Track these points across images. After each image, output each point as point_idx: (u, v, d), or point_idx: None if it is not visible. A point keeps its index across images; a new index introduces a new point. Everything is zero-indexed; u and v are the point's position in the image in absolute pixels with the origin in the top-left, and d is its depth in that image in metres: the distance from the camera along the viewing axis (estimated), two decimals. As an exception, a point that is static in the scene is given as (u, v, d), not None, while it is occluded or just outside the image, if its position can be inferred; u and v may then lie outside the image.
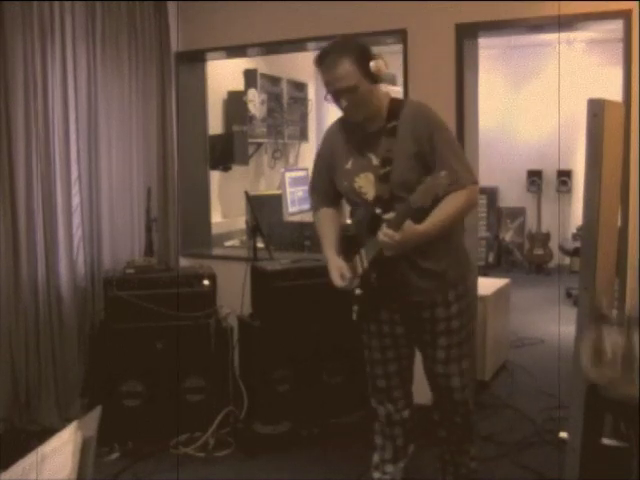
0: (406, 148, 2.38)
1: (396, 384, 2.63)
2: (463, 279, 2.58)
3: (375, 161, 2.43)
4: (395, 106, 2.44)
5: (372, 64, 2.34)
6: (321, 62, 2.35)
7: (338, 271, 2.49)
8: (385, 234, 2.25)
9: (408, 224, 2.25)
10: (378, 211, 2.38)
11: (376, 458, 2.77)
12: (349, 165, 2.48)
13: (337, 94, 2.35)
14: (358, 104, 2.37)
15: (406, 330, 2.57)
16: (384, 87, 2.54)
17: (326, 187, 2.63)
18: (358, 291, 2.47)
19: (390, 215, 2.28)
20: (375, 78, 2.37)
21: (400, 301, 2.51)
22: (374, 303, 2.50)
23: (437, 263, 2.46)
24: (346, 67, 2.31)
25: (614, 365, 1.44)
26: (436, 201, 2.23)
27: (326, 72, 2.35)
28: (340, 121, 2.59)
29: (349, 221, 2.73)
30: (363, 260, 2.44)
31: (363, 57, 2.34)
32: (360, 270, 2.46)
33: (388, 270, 2.40)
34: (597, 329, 1.43)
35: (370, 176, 2.43)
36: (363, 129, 2.46)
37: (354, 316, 2.49)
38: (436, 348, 2.52)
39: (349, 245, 2.56)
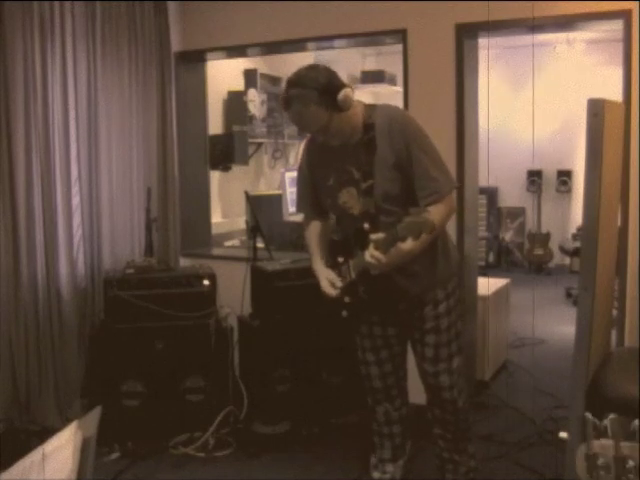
0: (385, 159, 2.36)
1: (392, 383, 2.66)
2: (452, 277, 2.58)
3: (356, 175, 2.41)
4: (370, 115, 2.40)
5: (339, 98, 2.28)
6: (286, 109, 2.35)
7: (328, 281, 2.50)
8: (372, 256, 2.24)
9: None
10: (366, 226, 2.37)
11: (374, 458, 2.78)
12: (331, 182, 2.47)
13: (311, 134, 2.40)
14: (333, 135, 2.37)
15: (397, 330, 2.60)
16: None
17: (312, 200, 2.63)
18: (347, 299, 2.47)
19: (378, 236, 2.24)
20: (345, 107, 2.31)
21: (391, 306, 2.53)
22: (364, 309, 2.52)
23: (424, 265, 2.46)
24: (312, 111, 2.29)
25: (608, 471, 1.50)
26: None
27: (294, 120, 2.38)
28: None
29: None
30: (351, 271, 2.45)
31: (328, 93, 2.28)
32: (348, 278, 2.46)
33: (376, 279, 2.38)
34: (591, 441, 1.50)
35: (353, 191, 2.42)
36: (341, 144, 2.43)
37: (344, 313, 2.50)
38: (424, 346, 2.54)
39: (336, 250, 2.56)
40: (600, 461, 1.53)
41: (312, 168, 2.56)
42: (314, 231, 2.67)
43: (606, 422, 1.53)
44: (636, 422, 1.54)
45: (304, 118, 2.32)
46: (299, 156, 6.93)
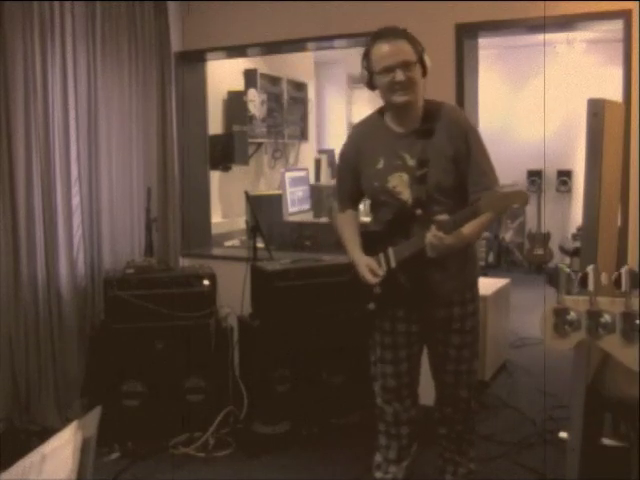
0: (443, 150, 2.39)
1: (406, 383, 2.63)
2: (477, 280, 2.62)
3: (410, 162, 2.41)
4: (430, 108, 2.45)
5: (425, 56, 2.39)
6: (381, 35, 2.36)
7: (368, 267, 2.48)
8: (435, 236, 2.24)
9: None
10: (419, 212, 2.38)
11: (379, 458, 2.76)
12: (380, 165, 2.45)
13: (393, 68, 2.32)
14: (409, 84, 2.36)
15: (420, 328, 2.57)
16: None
17: (351, 189, 2.62)
18: (378, 289, 2.47)
19: (443, 217, 2.26)
20: (424, 70, 2.40)
21: (422, 301, 2.50)
22: (393, 301, 2.50)
23: (460, 264, 2.49)
24: (406, 44, 2.35)
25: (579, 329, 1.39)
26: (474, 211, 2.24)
27: (387, 44, 2.35)
28: (367, 122, 2.58)
29: (366, 219, 2.74)
30: (390, 260, 2.44)
31: (418, 46, 2.39)
32: (384, 269, 2.46)
33: (415, 270, 2.40)
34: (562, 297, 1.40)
35: (404, 176, 2.42)
36: (395, 130, 2.46)
37: (371, 306, 2.49)
38: (448, 346, 2.53)
39: (372, 240, 2.55)
40: (570, 316, 1.45)
41: (360, 151, 2.52)
42: (350, 220, 2.66)
43: (588, 270, 1.45)
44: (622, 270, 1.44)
45: (398, 44, 2.34)
46: (299, 156, 6.95)
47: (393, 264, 2.44)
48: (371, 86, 2.45)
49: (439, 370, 2.60)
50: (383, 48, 2.35)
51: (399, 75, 2.33)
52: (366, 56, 2.43)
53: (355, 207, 2.69)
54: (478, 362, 2.66)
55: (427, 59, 2.41)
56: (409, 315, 2.55)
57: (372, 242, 2.55)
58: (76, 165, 3.64)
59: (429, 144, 2.39)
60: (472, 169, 2.40)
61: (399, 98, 2.37)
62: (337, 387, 3.53)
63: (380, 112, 2.53)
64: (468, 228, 2.29)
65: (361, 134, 2.58)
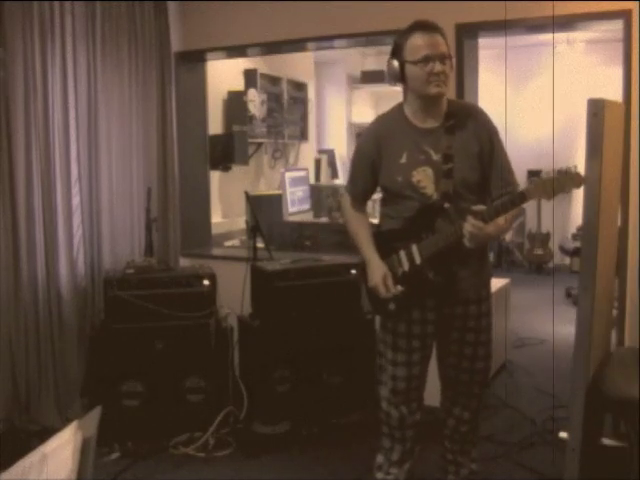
0: (468, 147, 2.41)
1: (415, 386, 2.60)
2: (490, 278, 2.65)
3: (435, 157, 2.41)
4: (454, 105, 2.48)
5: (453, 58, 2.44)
6: (419, 26, 2.39)
7: (382, 279, 2.47)
8: (474, 225, 2.25)
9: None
10: (446, 205, 2.39)
11: (380, 459, 2.74)
12: (404, 159, 2.44)
13: (433, 58, 2.34)
14: (445, 77, 2.37)
15: (435, 329, 2.55)
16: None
17: (367, 185, 2.60)
18: (399, 288, 2.46)
19: (480, 207, 2.28)
20: (452, 68, 2.43)
21: (449, 296, 2.49)
22: (418, 299, 2.49)
23: (480, 260, 2.51)
24: (442, 38, 2.39)
25: None
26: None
27: (426, 35, 2.37)
28: (388, 116, 2.57)
29: (374, 221, 2.72)
30: (415, 256, 2.43)
31: (448, 43, 2.43)
32: (401, 269, 2.46)
33: (440, 268, 2.41)
34: None
35: (429, 171, 2.41)
36: (418, 125, 2.46)
37: (391, 306, 2.48)
38: (464, 344, 2.53)
39: (385, 242, 2.54)
40: None
41: (380, 145, 2.50)
42: (364, 221, 2.64)
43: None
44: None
45: (439, 37, 2.39)
46: (299, 156, 6.94)
47: (418, 261, 2.43)
48: (399, 78, 2.44)
49: (453, 369, 2.59)
50: (422, 38, 2.36)
51: (438, 66, 2.34)
52: (398, 47, 2.42)
53: (366, 204, 2.69)
54: (492, 361, 2.66)
55: (453, 60, 2.45)
56: (424, 316, 2.52)
57: (388, 241, 2.52)
58: (76, 165, 3.64)
59: (454, 140, 2.40)
60: (496, 167, 2.43)
61: (434, 89, 2.36)
62: (337, 387, 3.53)
63: (399, 108, 2.53)
64: (502, 218, 2.31)
65: (382, 128, 2.55)
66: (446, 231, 2.37)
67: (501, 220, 2.31)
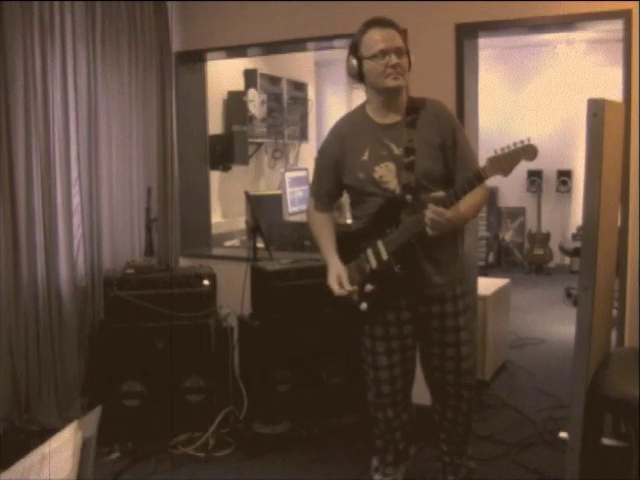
0: (430, 139, 2.41)
1: (400, 388, 2.61)
2: (466, 275, 2.64)
3: (397, 151, 2.42)
4: (413, 101, 2.49)
5: (410, 53, 2.45)
6: (373, 23, 2.43)
7: (337, 278, 2.49)
8: (435, 212, 2.23)
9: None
10: (408, 197, 2.38)
11: (376, 461, 2.76)
12: (365, 156, 2.45)
13: (388, 51, 2.36)
14: (402, 69, 2.39)
15: (413, 329, 2.55)
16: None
17: (331, 187, 2.60)
18: (369, 287, 2.45)
19: (438, 193, 2.28)
20: (410, 63, 2.45)
21: (415, 294, 2.49)
22: (388, 295, 2.48)
23: (448, 256, 2.50)
24: (397, 33, 2.42)
25: None
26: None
27: (381, 30, 2.41)
28: (350, 116, 2.59)
29: (349, 221, 2.72)
30: (381, 252, 2.42)
31: (405, 39, 2.46)
32: (369, 266, 2.45)
33: (406, 261, 2.40)
34: None
35: (391, 166, 2.42)
36: (379, 121, 2.47)
37: (363, 306, 2.47)
38: (446, 346, 2.52)
39: (352, 242, 2.53)
40: None
41: (343, 145, 2.52)
42: (326, 223, 2.65)
43: None
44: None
45: (392, 32, 2.42)
46: (299, 156, 6.94)
47: (385, 256, 2.42)
48: (358, 76, 2.47)
49: (438, 371, 2.57)
50: (377, 34, 2.40)
51: (394, 59, 2.37)
52: (355, 45, 2.45)
53: (331, 207, 2.69)
54: (476, 361, 2.65)
55: (412, 56, 2.46)
56: (399, 316, 2.53)
57: (355, 241, 2.52)
58: (76, 165, 3.64)
59: (415, 133, 2.41)
60: (459, 157, 2.43)
61: (392, 82, 2.39)
62: (337, 387, 3.53)
63: (362, 107, 2.56)
64: (464, 205, 2.31)
65: (345, 128, 2.57)
66: (409, 222, 2.36)
67: (462, 206, 2.31)
